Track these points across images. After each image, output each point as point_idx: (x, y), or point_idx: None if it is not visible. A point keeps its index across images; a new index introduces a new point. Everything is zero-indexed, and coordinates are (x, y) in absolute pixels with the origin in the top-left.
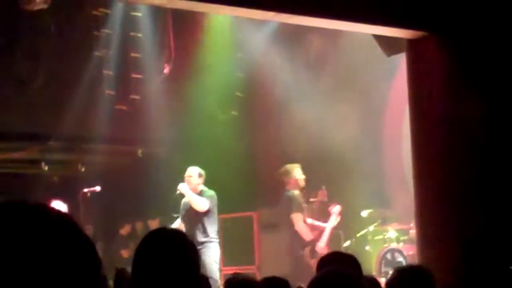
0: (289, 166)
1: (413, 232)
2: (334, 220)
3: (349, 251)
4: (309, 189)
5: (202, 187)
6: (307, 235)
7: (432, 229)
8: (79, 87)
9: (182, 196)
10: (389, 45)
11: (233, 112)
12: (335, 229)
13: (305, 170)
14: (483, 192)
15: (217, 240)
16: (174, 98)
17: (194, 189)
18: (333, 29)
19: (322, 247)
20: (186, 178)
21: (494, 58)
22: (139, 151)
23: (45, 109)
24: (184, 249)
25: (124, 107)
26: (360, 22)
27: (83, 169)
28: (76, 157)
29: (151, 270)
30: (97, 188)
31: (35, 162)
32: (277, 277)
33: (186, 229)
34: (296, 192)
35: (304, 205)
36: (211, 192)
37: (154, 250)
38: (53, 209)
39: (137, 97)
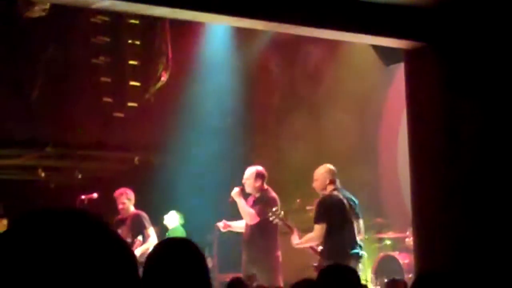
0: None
1: (409, 240)
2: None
3: None
4: (306, 197)
5: (263, 188)
6: None
7: (429, 238)
8: (76, 94)
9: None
10: (387, 55)
11: (229, 120)
12: None
13: (302, 179)
14: (481, 200)
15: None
16: (171, 105)
17: (254, 192)
18: (331, 39)
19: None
20: (243, 182)
21: (491, 69)
22: (136, 159)
23: (42, 116)
24: (193, 258)
25: (121, 115)
26: (359, 33)
27: (80, 176)
28: (73, 164)
29: (161, 279)
30: (95, 195)
31: (32, 169)
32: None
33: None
34: None
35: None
36: (271, 197)
37: (166, 259)
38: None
39: (134, 104)
